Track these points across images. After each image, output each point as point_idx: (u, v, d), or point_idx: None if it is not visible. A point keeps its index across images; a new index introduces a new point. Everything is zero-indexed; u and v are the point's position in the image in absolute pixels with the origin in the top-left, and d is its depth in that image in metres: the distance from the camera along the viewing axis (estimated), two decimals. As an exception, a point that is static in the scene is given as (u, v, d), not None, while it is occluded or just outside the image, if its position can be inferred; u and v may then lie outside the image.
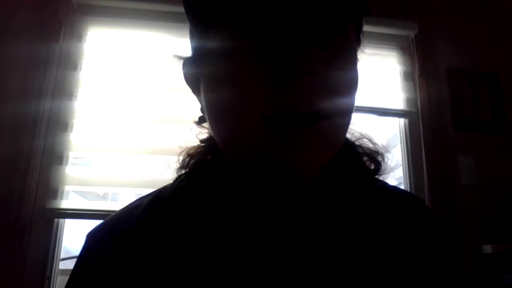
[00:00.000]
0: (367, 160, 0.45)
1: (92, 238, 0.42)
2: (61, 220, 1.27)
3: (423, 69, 1.55)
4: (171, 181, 0.46)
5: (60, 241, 1.26)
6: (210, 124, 0.38)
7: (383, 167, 0.45)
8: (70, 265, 1.94)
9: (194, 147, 0.46)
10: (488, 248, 1.36)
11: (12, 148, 1.20)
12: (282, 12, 0.33)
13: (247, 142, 0.34)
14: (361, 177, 0.43)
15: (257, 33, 0.33)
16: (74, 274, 0.41)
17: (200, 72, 0.39)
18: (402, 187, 1.51)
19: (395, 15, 1.55)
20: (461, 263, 1.34)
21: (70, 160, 1.31)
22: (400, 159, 1.53)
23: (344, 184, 0.41)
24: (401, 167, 1.52)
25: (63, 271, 1.58)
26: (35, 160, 1.22)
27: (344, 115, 0.36)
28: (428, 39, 1.59)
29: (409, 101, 1.54)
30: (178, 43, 1.45)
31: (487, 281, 1.35)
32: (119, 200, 1.85)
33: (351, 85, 0.36)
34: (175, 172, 0.46)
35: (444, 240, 0.45)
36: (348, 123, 0.37)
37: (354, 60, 0.38)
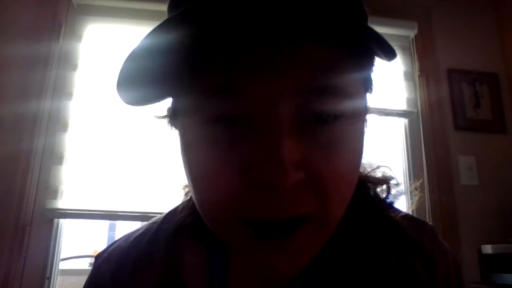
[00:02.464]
0: (382, 190, 0.43)
1: (97, 268, 0.43)
2: (61, 220, 1.27)
3: (423, 69, 1.55)
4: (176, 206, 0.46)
5: (60, 241, 1.26)
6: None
7: (397, 198, 0.43)
8: (70, 265, 1.94)
9: None
10: (488, 248, 1.36)
11: (12, 148, 1.20)
12: (262, 96, 0.27)
13: (223, 235, 0.32)
14: (369, 211, 0.41)
15: (233, 123, 0.28)
16: None
17: (177, 128, 0.36)
18: (402, 187, 1.51)
19: (395, 15, 1.55)
20: (461, 263, 1.34)
21: (70, 160, 1.31)
22: (400, 159, 1.53)
23: (351, 218, 0.37)
24: (401, 167, 1.52)
25: (63, 271, 1.58)
26: (35, 160, 1.22)
27: (333, 213, 0.30)
28: (428, 39, 1.59)
29: (409, 101, 1.54)
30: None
31: (487, 281, 1.35)
32: (119, 200, 1.84)
33: (346, 177, 0.30)
34: (179, 204, 0.46)
35: (454, 273, 0.42)
36: (340, 215, 0.31)
37: (352, 137, 0.31)
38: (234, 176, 0.28)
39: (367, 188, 0.42)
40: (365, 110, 0.35)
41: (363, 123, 0.34)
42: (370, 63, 0.34)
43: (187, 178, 0.32)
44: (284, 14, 0.25)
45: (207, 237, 0.38)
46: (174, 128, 0.37)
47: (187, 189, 0.45)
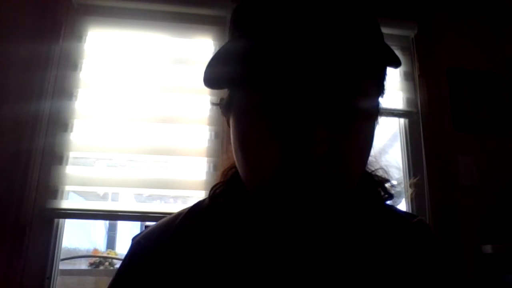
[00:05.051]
0: (381, 189, 0.50)
1: (137, 243, 0.48)
2: (61, 220, 1.27)
3: (423, 69, 1.55)
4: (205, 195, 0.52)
5: (60, 241, 1.26)
6: (235, 158, 0.43)
7: (394, 196, 0.50)
8: (70, 265, 1.94)
9: (232, 166, 0.51)
10: (488, 248, 1.36)
11: (12, 148, 1.21)
12: (302, 94, 0.36)
13: (262, 192, 0.40)
14: (375, 203, 0.49)
15: (278, 112, 0.37)
16: (120, 274, 0.46)
17: (230, 118, 0.44)
18: (402, 187, 1.51)
19: (395, 15, 1.55)
20: (461, 263, 1.34)
21: (70, 160, 1.31)
22: (400, 159, 1.53)
23: (360, 207, 0.46)
24: (401, 167, 1.52)
25: (63, 271, 1.58)
26: (35, 160, 1.22)
27: (347, 182, 0.39)
28: (428, 39, 1.59)
29: (409, 101, 1.54)
30: (178, 43, 1.45)
31: (487, 281, 1.35)
32: (119, 200, 1.85)
33: (360, 157, 0.40)
34: (211, 190, 0.51)
35: (447, 262, 0.48)
36: (353, 184, 0.40)
37: (367, 133, 0.40)
38: (275, 148, 0.37)
39: (376, 186, 0.50)
40: (378, 110, 0.44)
41: (376, 120, 0.43)
42: (384, 73, 0.43)
43: (236, 151, 0.41)
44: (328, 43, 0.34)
45: (235, 208, 0.46)
46: (225, 114, 0.46)
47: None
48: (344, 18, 0.37)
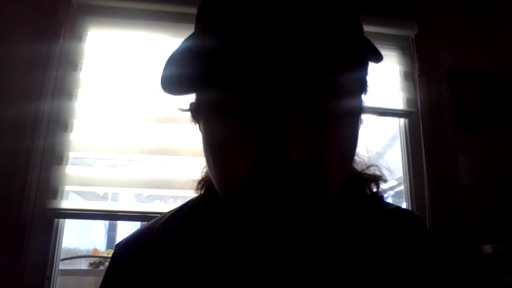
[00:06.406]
0: (374, 186, 0.48)
1: (120, 248, 0.48)
2: (61, 220, 1.27)
3: (423, 69, 1.55)
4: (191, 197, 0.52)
5: (60, 241, 1.26)
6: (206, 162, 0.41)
7: (386, 192, 0.48)
8: (70, 265, 1.94)
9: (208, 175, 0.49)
10: (488, 248, 1.36)
11: (12, 148, 1.21)
12: (274, 93, 0.33)
13: (234, 198, 0.37)
14: (365, 202, 0.47)
15: (250, 114, 0.34)
16: (104, 281, 0.47)
17: (200, 120, 0.41)
18: (402, 187, 1.51)
19: (395, 15, 1.55)
20: (461, 263, 1.35)
21: (70, 160, 1.31)
22: (400, 159, 1.53)
23: (348, 207, 0.44)
24: (401, 167, 1.52)
25: (63, 271, 1.58)
26: (35, 160, 1.22)
27: (329, 192, 0.36)
28: (428, 39, 1.59)
29: (409, 101, 1.54)
30: (178, 43, 1.45)
31: (487, 281, 1.35)
32: (119, 200, 1.85)
33: (343, 160, 0.37)
34: (196, 190, 0.51)
35: (440, 256, 0.47)
36: (335, 194, 0.37)
37: (348, 132, 0.37)
38: (248, 154, 0.34)
39: (363, 183, 0.48)
40: (361, 108, 0.41)
41: (359, 119, 0.40)
42: (365, 68, 0.40)
43: (208, 158, 0.39)
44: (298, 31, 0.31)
45: (215, 219, 0.44)
46: (196, 119, 0.44)
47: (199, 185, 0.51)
48: (317, 9, 0.33)
